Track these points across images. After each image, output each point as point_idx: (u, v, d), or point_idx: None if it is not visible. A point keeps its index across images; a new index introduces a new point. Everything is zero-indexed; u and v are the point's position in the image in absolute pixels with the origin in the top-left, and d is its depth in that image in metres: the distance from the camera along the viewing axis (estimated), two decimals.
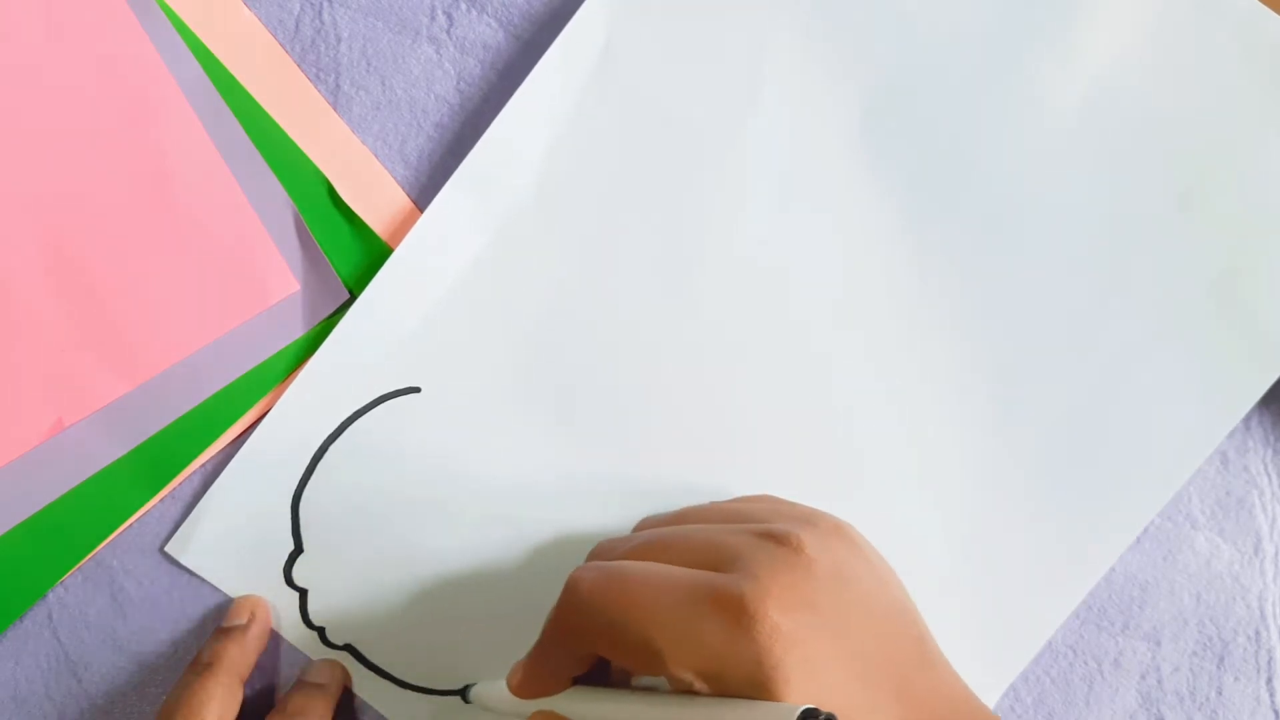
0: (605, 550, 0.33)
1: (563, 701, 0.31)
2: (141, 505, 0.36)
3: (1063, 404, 0.37)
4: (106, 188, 0.36)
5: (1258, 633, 0.37)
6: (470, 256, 0.37)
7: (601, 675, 0.32)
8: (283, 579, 0.37)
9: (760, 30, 0.37)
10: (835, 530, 0.30)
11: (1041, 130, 0.37)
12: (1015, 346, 0.37)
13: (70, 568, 0.36)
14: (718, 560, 0.28)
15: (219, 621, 0.36)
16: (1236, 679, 0.37)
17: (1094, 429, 0.37)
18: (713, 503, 0.35)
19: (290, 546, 0.37)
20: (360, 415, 0.37)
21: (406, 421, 0.37)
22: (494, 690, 0.34)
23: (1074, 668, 0.37)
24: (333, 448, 0.37)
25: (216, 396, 0.37)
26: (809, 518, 0.31)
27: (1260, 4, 0.37)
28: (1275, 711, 0.37)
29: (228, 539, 0.37)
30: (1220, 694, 0.37)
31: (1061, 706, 0.37)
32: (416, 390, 0.37)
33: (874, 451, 0.37)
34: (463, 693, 0.36)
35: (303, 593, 0.37)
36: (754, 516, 0.31)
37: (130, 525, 0.37)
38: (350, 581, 0.37)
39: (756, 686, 0.25)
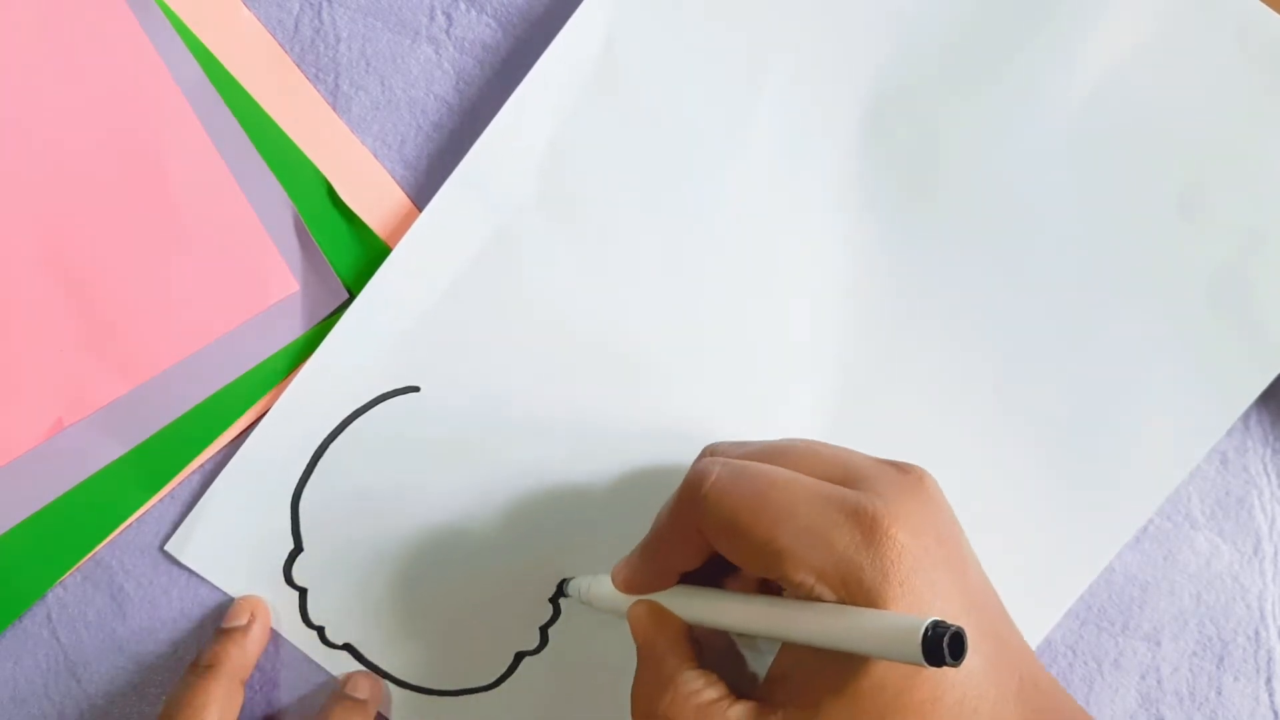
0: (720, 451, 0.32)
1: (667, 598, 0.31)
2: (141, 505, 0.36)
3: (1060, 402, 0.37)
4: (106, 188, 0.36)
5: (1257, 633, 0.37)
6: (470, 254, 0.37)
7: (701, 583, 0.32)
8: (282, 578, 0.37)
9: (761, 26, 0.37)
10: (931, 476, 0.31)
11: (1042, 129, 0.37)
12: (1013, 344, 0.37)
13: (70, 567, 0.36)
14: (844, 477, 0.29)
15: (219, 622, 0.36)
16: (1236, 679, 0.37)
17: (1091, 427, 0.37)
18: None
19: (290, 545, 0.37)
20: (360, 414, 0.37)
21: (406, 420, 0.37)
22: (595, 585, 0.34)
23: (1074, 668, 0.37)
24: (332, 447, 0.37)
25: (216, 396, 0.37)
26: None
27: (1260, 4, 0.37)
28: (1275, 711, 0.37)
29: (227, 538, 0.37)
30: (1220, 694, 0.37)
31: None
32: (416, 389, 0.37)
33: (873, 446, 0.37)
34: (560, 587, 0.36)
35: (302, 592, 0.37)
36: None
37: (130, 525, 0.37)
38: (349, 581, 0.37)
39: (878, 600, 0.26)
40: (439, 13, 0.38)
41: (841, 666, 0.27)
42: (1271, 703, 0.37)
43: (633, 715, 0.30)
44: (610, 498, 0.37)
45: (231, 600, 0.37)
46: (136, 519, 0.37)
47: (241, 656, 0.35)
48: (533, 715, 0.37)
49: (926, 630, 0.24)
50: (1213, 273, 0.37)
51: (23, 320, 0.36)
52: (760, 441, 0.32)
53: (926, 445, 0.37)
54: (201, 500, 0.37)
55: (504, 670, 0.37)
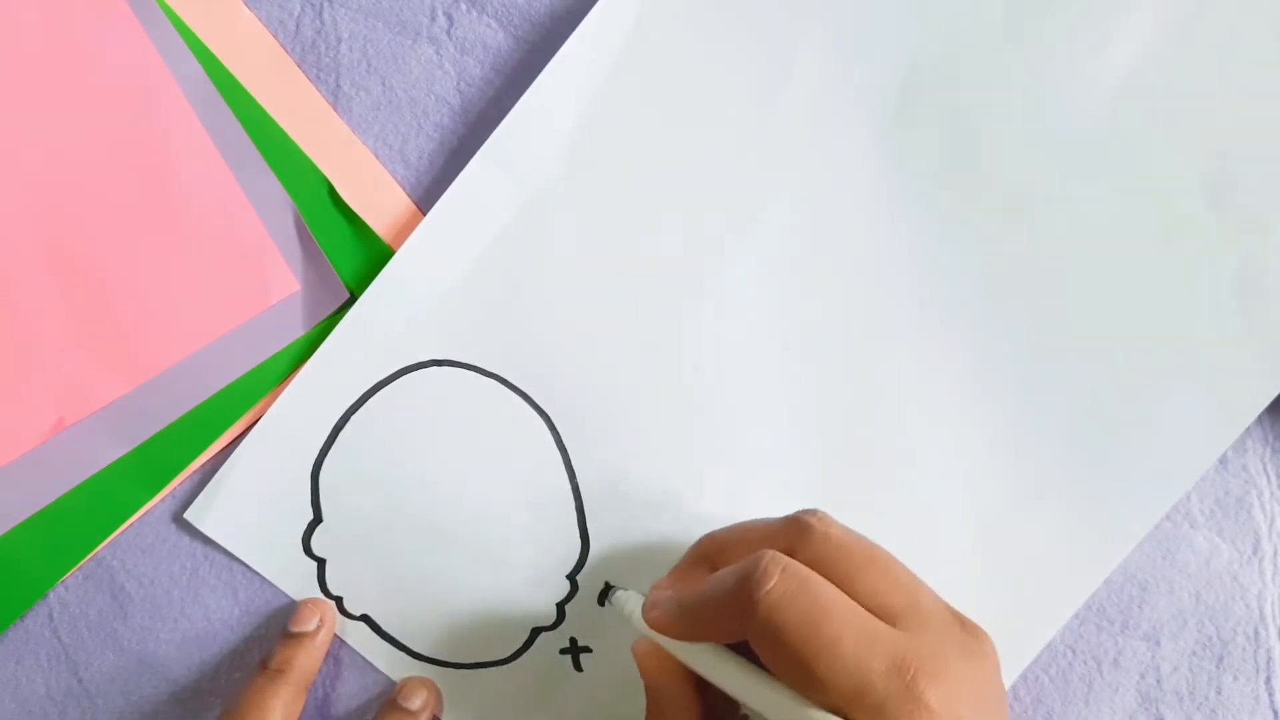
0: (808, 527, 0.31)
1: (696, 650, 0.31)
2: (142, 505, 0.37)
3: (1078, 398, 0.36)
4: (107, 188, 0.36)
5: (1256, 632, 0.37)
6: (497, 230, 0.37)
7: None
8: (301, 548, 0.37)
9: (794, 7, 0.37)
10: (992, 643, 0.30)
11: (1070, 118, 0.36)
12: (1034, 340, 0.37)
13: (71, 567, 0.36)
14: (906, 608, 0.29)
15: (284, 625, 0.36)
16: (1235, 678, 0.37)
17: (1107, 424, 0.37)
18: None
19: (309, 516, 0.37)
20: (382, 387, 0.37)
21: (427, 394, 0.37)
22: (631, 602, 0.33)
23: (1073, 667, 0.37)
24: (354, 419, 0.37)
25: (217, 396, 0.37)
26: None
27: None
28: (1274, 710, 0.37)
29: (247, 507, 0.37)
30: (1219, 693, 0.37)
31: (1060, 706, 0.37)
32: (438, 363, 0.37)
33: (880, 442, 0.37)
34: (603, 592, 0.36)
35: (321, 562, 0.37)
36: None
37: (131, 525, 0.37)
38: (368, 552, 0.37)
39: None
40: (440, 13, 0.38)
41: None
42: (1271, 702, 0.37)
43: None
44: (628, 472, 0.37)
45: (263, 589, 0.37)
46: (137, 519, 0.37)
47: (309, 662, 0.35)
48: (546, 692, 0.37)
49: None
50: (1237, 266, 0.36)
51: (24, 320, 0.36)
52: (844, 531, 0.31)
53: (935, 439, 0.37)
54: (222, 469, 0.37)
55: (520, 645, 0.37)
